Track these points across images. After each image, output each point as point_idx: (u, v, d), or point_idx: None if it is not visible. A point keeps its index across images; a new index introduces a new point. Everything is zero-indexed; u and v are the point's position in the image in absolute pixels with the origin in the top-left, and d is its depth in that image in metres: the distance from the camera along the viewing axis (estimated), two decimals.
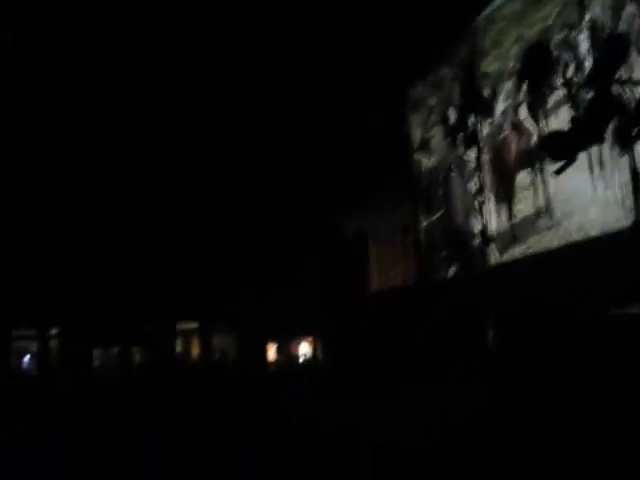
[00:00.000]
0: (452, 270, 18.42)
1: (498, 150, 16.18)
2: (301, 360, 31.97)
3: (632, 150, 12.00)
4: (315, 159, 25.90)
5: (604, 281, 12.03)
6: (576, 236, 13.18)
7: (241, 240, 29.69)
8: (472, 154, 17.22)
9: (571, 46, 13.62)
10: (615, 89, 12.63)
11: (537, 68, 14.68)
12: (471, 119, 17.31)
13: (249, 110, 25.24)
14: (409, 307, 20.24)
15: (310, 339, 33.11)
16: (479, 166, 16.74)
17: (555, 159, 13.89)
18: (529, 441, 8.65)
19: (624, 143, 12.21)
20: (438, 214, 19.18)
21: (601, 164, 12.65)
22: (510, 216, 15.54)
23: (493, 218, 16.22)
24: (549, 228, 14.02)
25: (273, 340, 32.67)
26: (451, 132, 18.45)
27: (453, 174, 18.31)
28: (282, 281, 29.58)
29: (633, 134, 12.03)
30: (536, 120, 14.66)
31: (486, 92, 16.60)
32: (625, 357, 11.21)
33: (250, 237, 29.58)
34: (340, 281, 26.79)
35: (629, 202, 11.93)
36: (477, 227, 16.95)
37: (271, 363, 31.27)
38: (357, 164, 23.49)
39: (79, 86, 24.54)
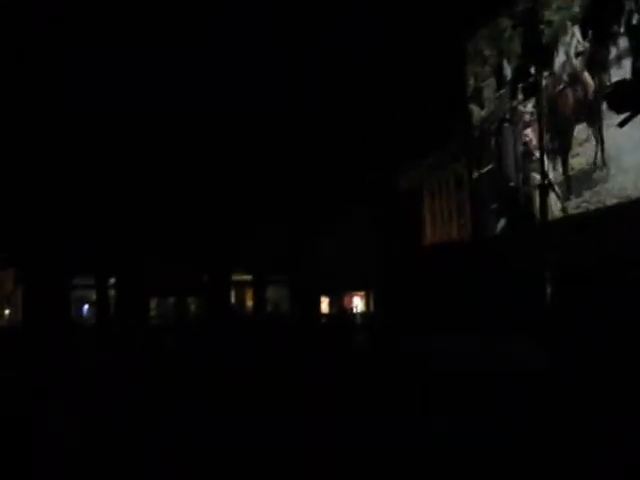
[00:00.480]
0: (502, 223, 18.13)
1: (555, 102, 15.70)
2: (354, 313, 32.16)
3: None
4: (371, 112, 25.76)
5: None
6: (631, 192, 12.76)
7: (295, 195, 29.83)
8: (528, 105, 16.76)
9: None
10: None
11: (601, 16, 14.11)
12: (531, 70, 16.80)
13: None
14: (463, 261, 20.06)
15: (362, 293, 33.26)
16: (538, 117, 16.25)
17: (618, 111, 13.34)
18: (588, 397, 8.54)
19: None
20: (489, 166, 18.82)
21: None
22: (565, 169, 15.15)
23: (549, 170, 15.82)
24: (604, 182, 13.63)
25: (326, 294, 32.93)
26: (506, 83, 18.01)
27: (506, 125, 17.87)
28: (335, 235, 29.63)
29: None
30: (596, 72, 14.15)
31: (547, 42, 16.07)
32: None
33: (304, 192, 29.68)
34: (393, 234, 26.65)
35: None
36: (533, 179, 16.56)
37: (324, 315, 31.54)
38: (413, 116, 23.18)
39: None
